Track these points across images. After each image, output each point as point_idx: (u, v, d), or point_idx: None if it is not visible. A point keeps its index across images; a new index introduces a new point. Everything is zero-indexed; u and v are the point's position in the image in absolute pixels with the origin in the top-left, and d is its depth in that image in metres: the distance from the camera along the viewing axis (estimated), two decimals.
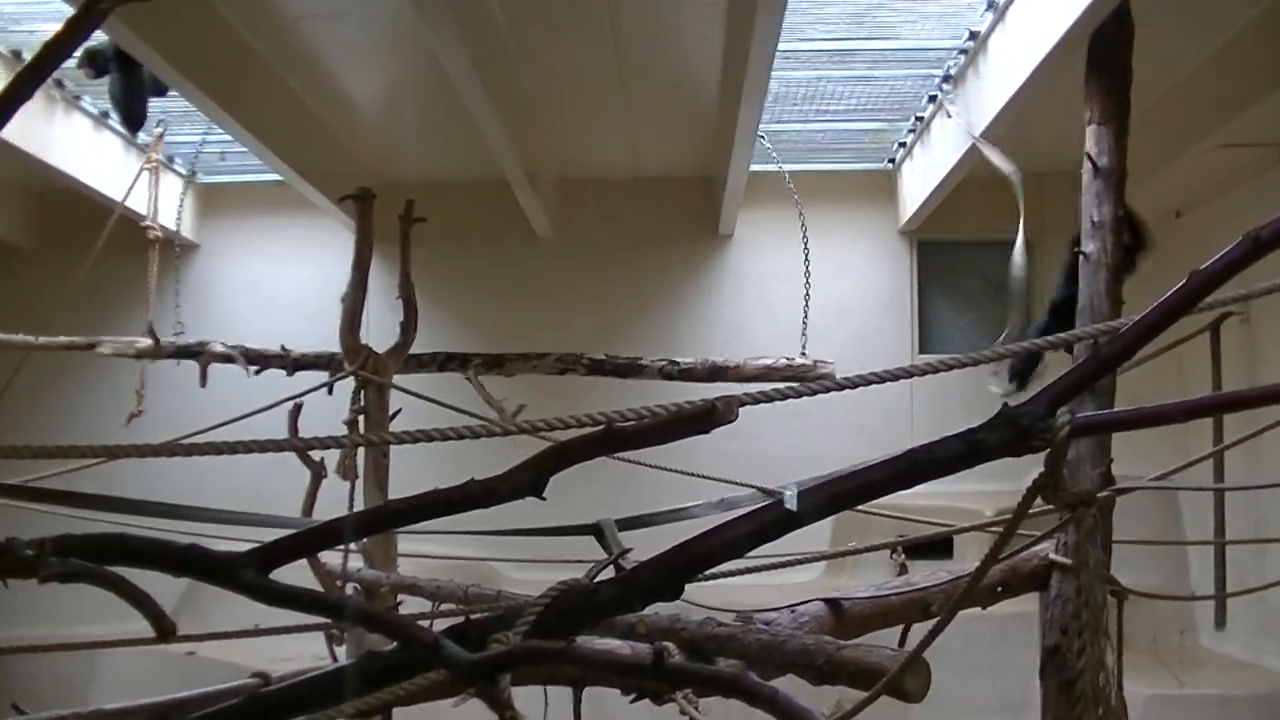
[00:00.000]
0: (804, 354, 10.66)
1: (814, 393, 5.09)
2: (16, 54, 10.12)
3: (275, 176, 12.50)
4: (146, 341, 10.48)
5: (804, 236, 11.61)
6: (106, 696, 8.15)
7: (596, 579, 3.85)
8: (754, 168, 12.05)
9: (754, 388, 5.93)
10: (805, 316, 11.44)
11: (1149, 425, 3.41)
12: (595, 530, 5.76)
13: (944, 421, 3.55)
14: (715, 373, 9.78)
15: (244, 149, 11.53)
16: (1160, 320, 3.17)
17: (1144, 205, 8.86)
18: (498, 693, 3.22)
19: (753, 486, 7.68)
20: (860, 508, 4.48)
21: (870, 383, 4.89)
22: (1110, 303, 8.08)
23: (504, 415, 7.15)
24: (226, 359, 10.03)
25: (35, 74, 3.78)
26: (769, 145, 11.88)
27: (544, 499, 3.50)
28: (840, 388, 5.00)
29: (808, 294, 11.49)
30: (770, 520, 3.36)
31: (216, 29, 9.43)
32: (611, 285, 14.02)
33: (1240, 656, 11.17)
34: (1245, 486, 10.02)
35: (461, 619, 4.35)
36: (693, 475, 7.95)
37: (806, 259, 11.60)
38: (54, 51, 3.74)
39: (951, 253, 13.18)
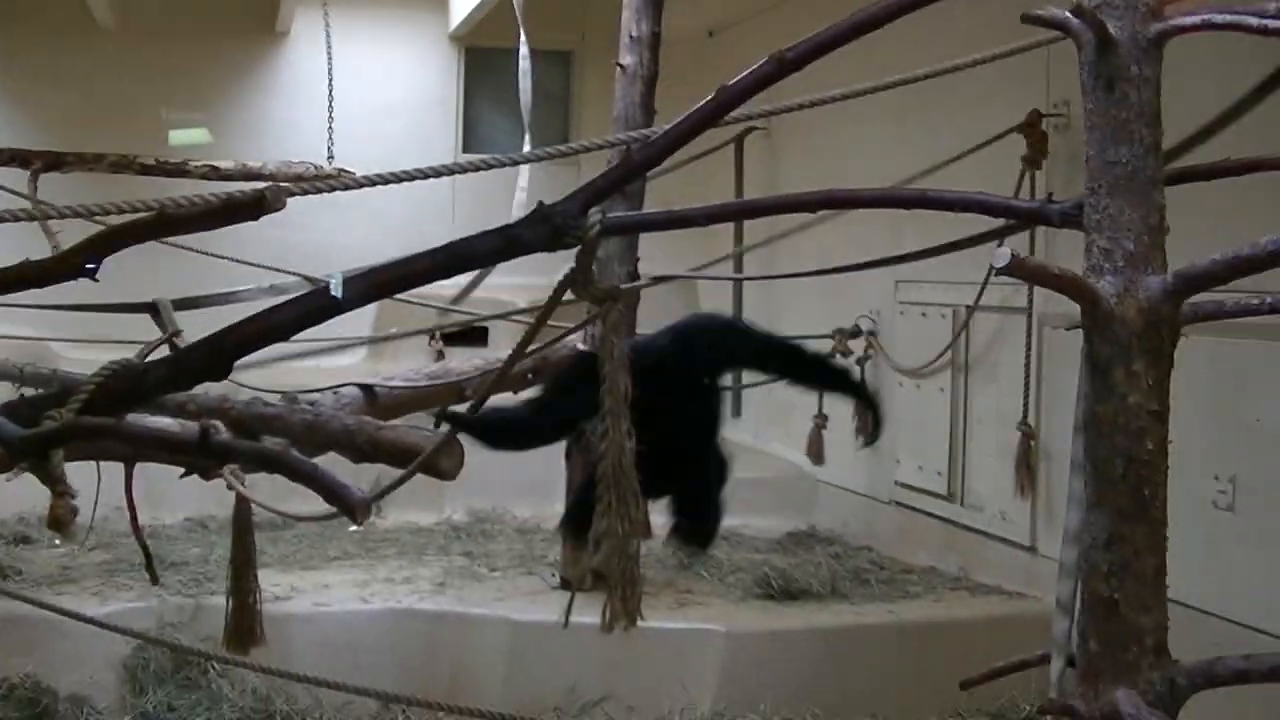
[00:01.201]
0: (330, 161, 11.02)
1: (347, 187, 5.44)
2: None
3: None
4: None
5: (327, 36, 11.90)
6: None
7: (148, 359, 4.13)
8: None
9: None
10: (331, 123, 11.80)
11: (674, 227, 3.87)
12: (151, 308, 5.83)
13: (486, 220, 3.91)
14: (251, 176, 9.95)
15: None
16: (689, 130, 3.58)
17: (679, 24, 9.41)
18: (50, 468, 3.46)
19: (299, 275, 7.98)
20: (401, 297, 4.84)
21: (407, 179, 5.21)
22: (644, 113, 8.64)
23: (51, 235, 7.22)
24: None
25: None
26: None
27: (96, 280, 3.73)
28: (373, 184, 5.33)
29: (331, 101, 11.85)
30: (315, 306, 3.66)
31: None
32: (172, 80, 13.96)
33: (751, 444, 12.05)
34: (757, 276, 10.68)
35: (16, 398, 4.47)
36: (244, 263, 8.27)
37: (331, 62, 11.93)
38: None
39: (499, 60, 13.56)
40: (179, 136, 13.40)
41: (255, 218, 3.47)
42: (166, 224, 3.59)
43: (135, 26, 13.85)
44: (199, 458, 4.37)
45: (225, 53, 14.19)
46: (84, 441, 3.89)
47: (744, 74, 3.39)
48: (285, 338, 3.63)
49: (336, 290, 3.49)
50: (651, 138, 4.59)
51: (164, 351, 5.05)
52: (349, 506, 3.30)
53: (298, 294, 3.88)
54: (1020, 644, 3.95)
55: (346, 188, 5.24)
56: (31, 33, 13.34)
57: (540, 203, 3.49)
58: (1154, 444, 3.22)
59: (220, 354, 3.62)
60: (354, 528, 10.00)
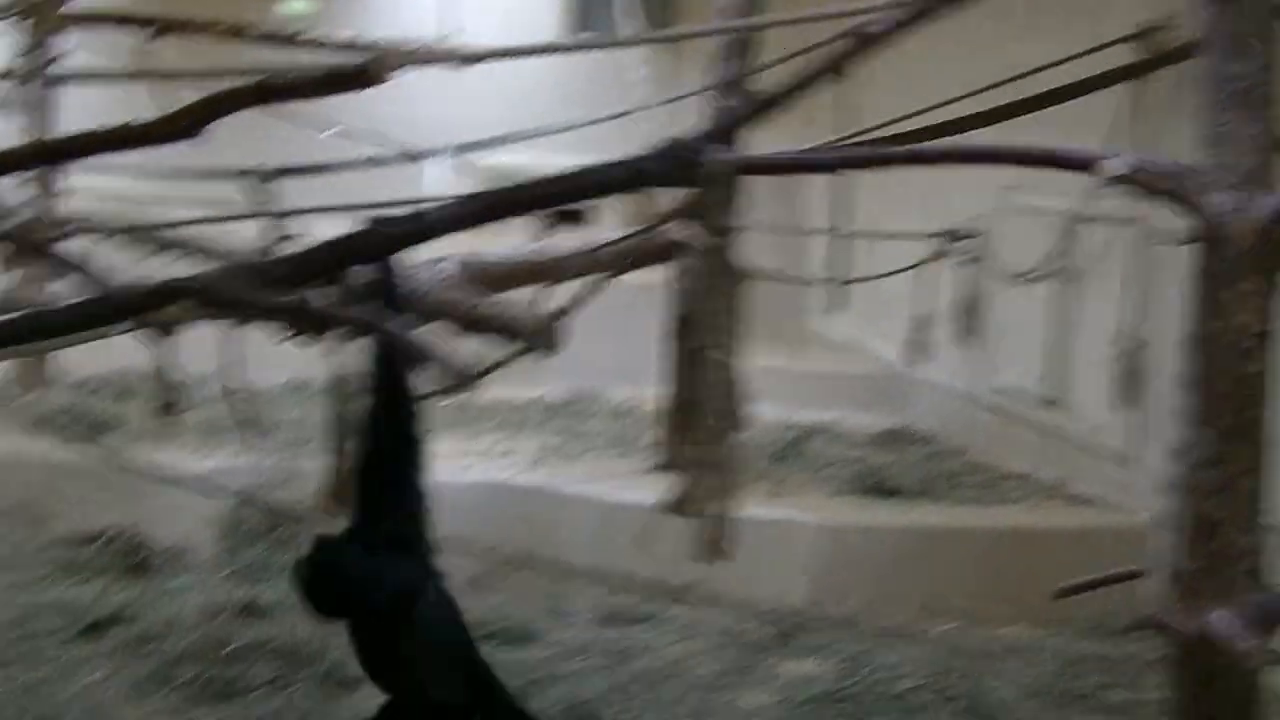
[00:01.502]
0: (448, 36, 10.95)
1: (463, 60, 5.39)
2: None
3: None
4: None
5: None
6: None
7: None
8: None
9: None
10: None
11: (804, 171, 3.86)
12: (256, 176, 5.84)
13: (592, 100, 3.88)
14: (367, 48, 9.92)
15: None
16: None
17: None
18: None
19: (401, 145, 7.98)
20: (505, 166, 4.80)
21: (518, 55, 5.18)
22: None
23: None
24: None
25: None
26: None
27: (197, 140, 3.74)
28: (490, 57, 5.28)
29: None
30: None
31: None
32: None
33: (849, 338, 11.99)
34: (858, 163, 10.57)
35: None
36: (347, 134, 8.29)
37: None
38: None
39: None
40: (285, 7, 13.35)
41: (359, 88, 3.46)
42: (271, 91, 3.58)
43: None
44: (299, 325, 4.39)
45: None
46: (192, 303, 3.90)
47: None
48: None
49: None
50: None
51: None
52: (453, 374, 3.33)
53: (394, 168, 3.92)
54: (1115, 557, 3.93)
55: (462, 60, 5.22)
56: None
57: (673, 138, 3.45)
58: (1259, 365, 3.17)
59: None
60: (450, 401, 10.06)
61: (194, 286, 3.67)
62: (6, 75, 9.56)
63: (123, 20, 9.67)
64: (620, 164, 3.49)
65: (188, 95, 3.76)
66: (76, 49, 9.46)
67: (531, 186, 3.64)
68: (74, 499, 8.55)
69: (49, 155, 5.57)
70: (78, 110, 8.67)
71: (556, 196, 3.62)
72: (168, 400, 3.40)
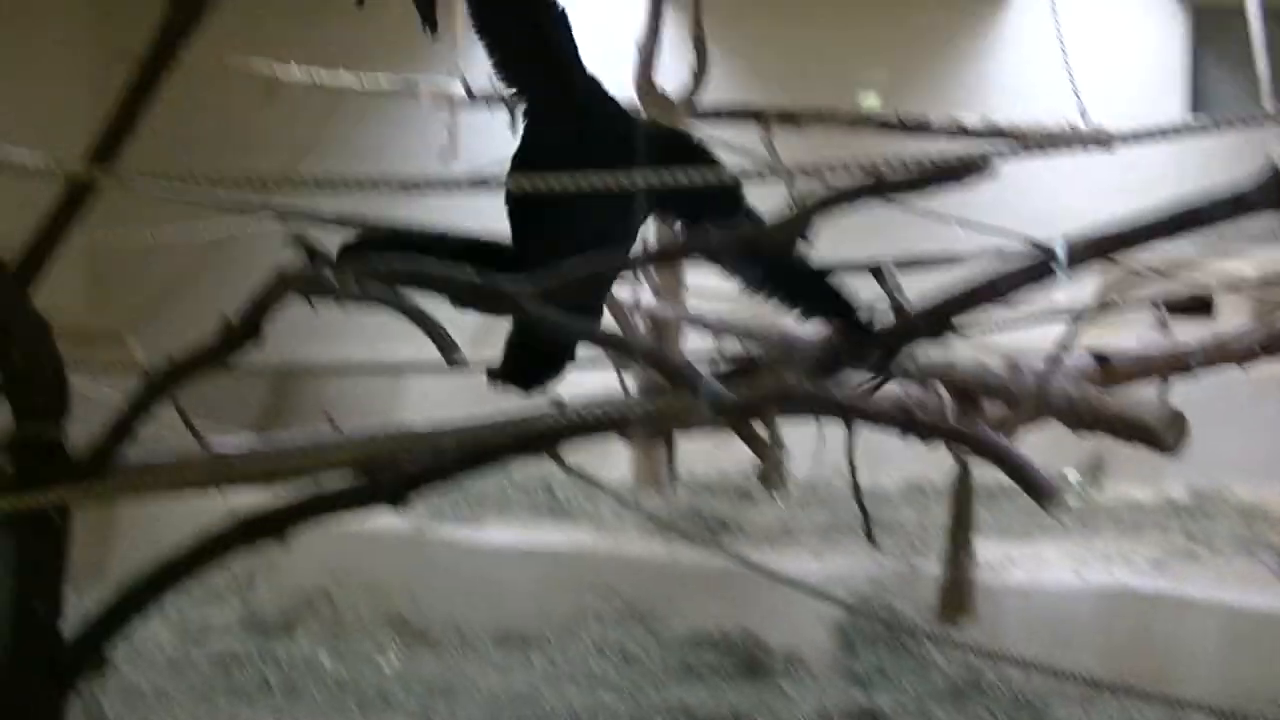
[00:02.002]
0: (1082, 117, 10.70)
1: (1099, 144, 5.22)
2: None
3: None
4: (457, 88, 10.97)
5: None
6: (413, 414, 8.65)
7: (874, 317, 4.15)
8: None
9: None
10: (1070, 83, 11.48)
11: None
12: (875, 270, 5.88)
13: (1210, 185, 3.72)
14: (997, 135, 9.87)
15: None
16: None
17: None
18: (745, 428, 3.55)
19: (1021, 237, 7.87)
20: (1125, 264, 4.67)
21: (1142, 138, 5.01)
22: None
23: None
24: None
25: None
26: None
27: (808, 240, 3.79)
28: (1110, 141, 5.13)
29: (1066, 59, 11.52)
30: (1036, 271, 3.64)
31: None
32: (891, 40, 14.01)
33: None
34: None
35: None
36: (963, 224, 8.22)
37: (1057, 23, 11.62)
38: None
39: (1229, 19, 12.94)
40: (869, 100, 13.46)
41: (963, 182, 3.44)
42: (880, 189, 3.60)
43: None
44: (903, 432, 4.39)
45: (944, 14, 14.10)
46: (780, 406, 3.96)
47: None
48: (1007, 301, 3.62)
49: (1061, 252, 3.45)
50: None
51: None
52: (1039, 491, 3.25)
53: (1018, 258, 3.85)
54: None
55: (1099, 144, 5.06)
56: None
57: (1274, 163, 3.29)
58: None
59: (944, 315, 3.64)
60: (1071, 504, 9.86)
61: (798, 393, 3.68)
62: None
63: (740, 114, 9.96)
64: (1219, 192, 3.33)
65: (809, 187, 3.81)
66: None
67: (1128, 224, 3.53)
68: (693, 599, 8.74)
69: (667, 258, 5.71)
70: None
71: (1153, 231, 3.49)
72: (768, 471, 3.43)
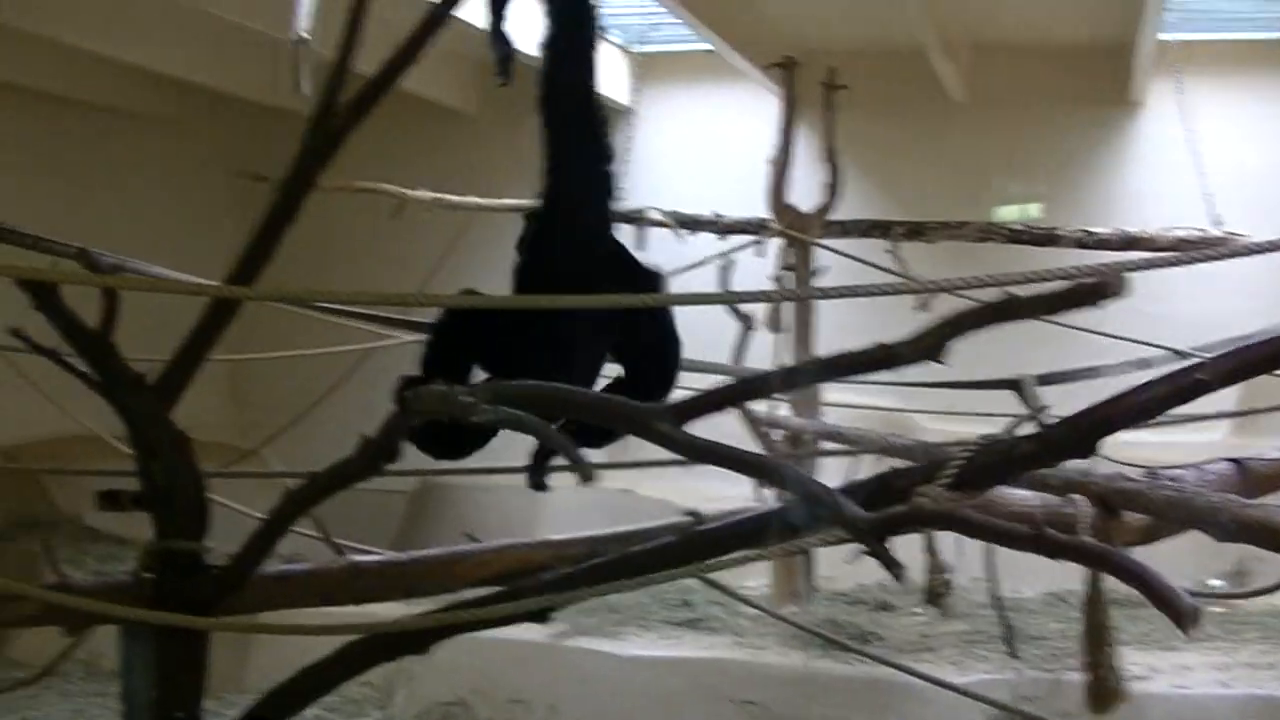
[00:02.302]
0: (1218, 224, 10.64)
1: (1235, 254, 5.17)
2: None
3: (705, 45, 12.96)
4: None
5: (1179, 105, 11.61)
6: (550, 529, 8.69)
7: (1015, 434, 4.13)
8: (1165, 36, 12.14)
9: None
10: (1203, 189, 11.43)
11: None
12: (1014, 385, 5.87)
13: None
14: (1130, 243, 9.80)
15: (676, 19, 12.07)
16: None
17: None
18: (886, 551, 3.50)
19: (1166, 348, 7.80)
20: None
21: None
22: None
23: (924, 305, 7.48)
24: (661, 225, 10.61)
25: None
26: (1177, 11, 11.86)
27: (943, 363, 3.78)
28: (1249, 253, 5.05)
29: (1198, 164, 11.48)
30: (1184, 384, 3.57)
31: None
32: (1023, 150, 14.01)
33: None
34: None
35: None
36: (1103, 334, 8.18)
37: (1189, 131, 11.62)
38: None
39: None
40: (1008, 211, 13.47)
41: (1095, 304, 3.40)
42: (1008, 311, 3.58)
43: (985, 97, 13.95)
44: (1034, 551, 4.33)
45: (1074, 124, 14.08)
46: (924, 526, 3.93)
47: None
48: (1153, 416, 3.57)
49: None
50: None
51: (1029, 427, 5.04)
52: (1177, 613, 3.17)
53: (1163, 370, 3.79)
54: None
55: (1235, 254, 4.99)
56: (882, 107, 13.67)
57: None
58: None
59: (1087, 431, 3.61)
60: (1216, 609, 9.70)
61: (946, 514, 3.64)
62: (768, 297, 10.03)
63: (870, 228, 10.03)
64: None
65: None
66: (829, 266, 9.85)
67: (1270, 342, 3.48)
68: (832, 710, 8.67)
69: (806, 378, 5.74)
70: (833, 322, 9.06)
71: None
72: (935, 588, 3.37)
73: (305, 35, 8.37)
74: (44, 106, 13.14)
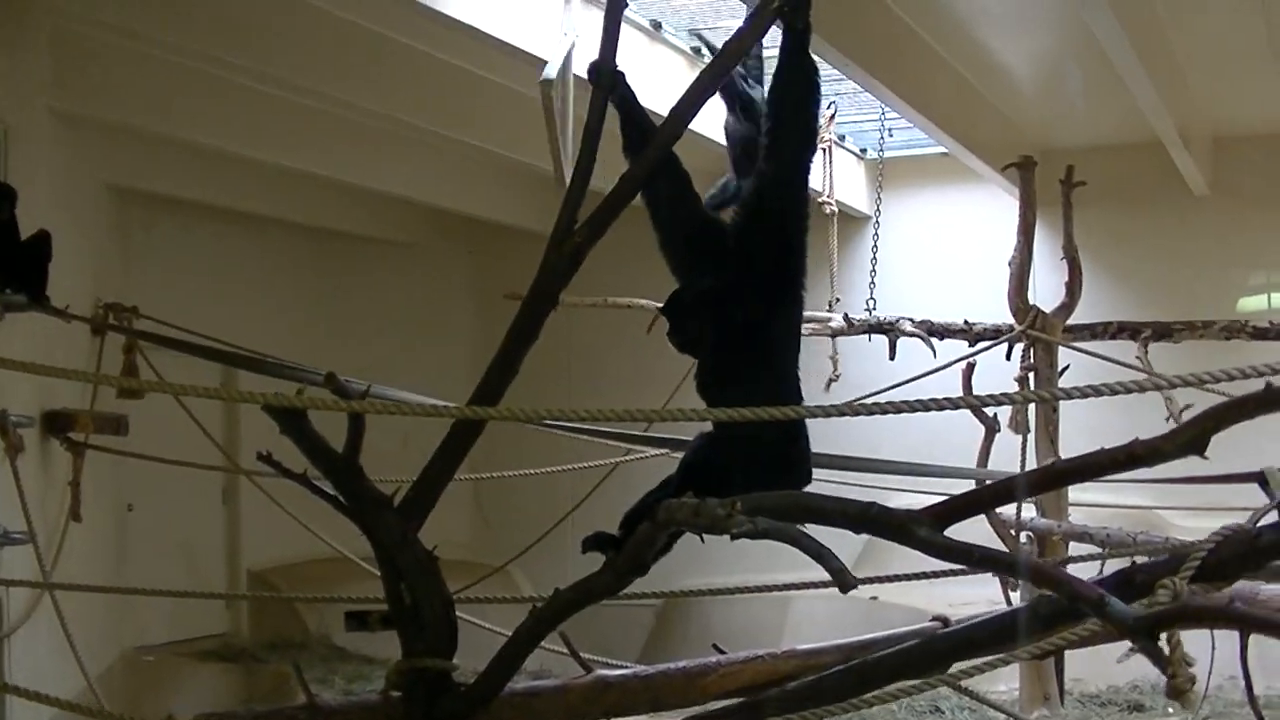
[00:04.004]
0: None
1: None
2: (656, 25, 10.60)
3: (940, 149, 13.04)
4: (840, 321, 11.14)
5: None
6: (797, 639, 8.67)
7: (1259, 524, 4.03)
8: None
9: None
10: None
11: None
12: (1259, 478, 5.75)
13: None
14: None
15: (909, 124, 12.13)
16: None
17: None
18: (1158, 649, 3.43)
19: None
20: None
21: None
22: None
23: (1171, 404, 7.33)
24: (914, 335, 10.61)
25: (717, 72, 4.26)
26: None
27: (1206, 458, 3.72)
28: None
29: None
30: None
31: (872, 9, 9.85)
32: (1266, 242, 13.72)
33: None
34: None
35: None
36: None
37: None
38: (736, 49, 4.21)
39: None
40: (1249, 303, 13.18)
41: None
42: (1272, 401, 3.52)
43: (1228, 192, 13.71)
44: None
45: None
46: (1193, 623, 3.85)
47: None
48: None
49: None
50: None
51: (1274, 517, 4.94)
52: None
53: None
54: None
55: None
56: (1121, 203, 13.49)
57: None
58: None
59: None
60: None
61: (1213, 609, 3.57)
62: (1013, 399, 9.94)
63: (1113, 330, 9.95)
64: None
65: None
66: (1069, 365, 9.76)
67: None
68: None
69: (1056, 479, 5.67)
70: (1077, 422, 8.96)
71: None
72: (1179, 685, 3.28)
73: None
74: (297, 237, 13.65)
